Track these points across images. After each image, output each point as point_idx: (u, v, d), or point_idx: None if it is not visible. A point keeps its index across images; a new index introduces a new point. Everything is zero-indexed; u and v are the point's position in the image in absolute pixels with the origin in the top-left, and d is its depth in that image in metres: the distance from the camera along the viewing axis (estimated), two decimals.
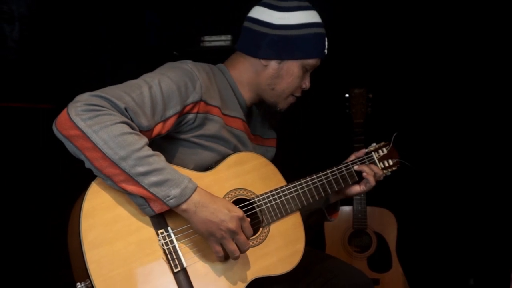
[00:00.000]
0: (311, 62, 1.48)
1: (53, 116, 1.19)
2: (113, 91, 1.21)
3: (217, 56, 1.62)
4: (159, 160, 1.19)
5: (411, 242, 2.53)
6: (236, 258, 1.25)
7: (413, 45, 2.61)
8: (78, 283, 1.12)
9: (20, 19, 2.32)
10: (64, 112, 1.14)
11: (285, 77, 1.47)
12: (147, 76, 1.29)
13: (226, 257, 1.25)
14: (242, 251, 1.25)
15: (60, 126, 1.14)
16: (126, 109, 1.19)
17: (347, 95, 2.33)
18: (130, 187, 1.15)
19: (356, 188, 1.58)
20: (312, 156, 2.69)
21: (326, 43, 1.51)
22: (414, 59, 2.63)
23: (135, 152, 1.14)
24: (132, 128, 1.18)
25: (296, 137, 2.71)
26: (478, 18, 2.49)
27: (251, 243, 1.33)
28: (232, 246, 1.23)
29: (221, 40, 2.53)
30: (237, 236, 1.23)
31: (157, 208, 1.18)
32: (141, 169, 1.14)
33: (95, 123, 1.12)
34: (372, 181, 1.55)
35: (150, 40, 2.65)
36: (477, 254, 2.53)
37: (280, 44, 1.44)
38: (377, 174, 1.57)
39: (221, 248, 1.24)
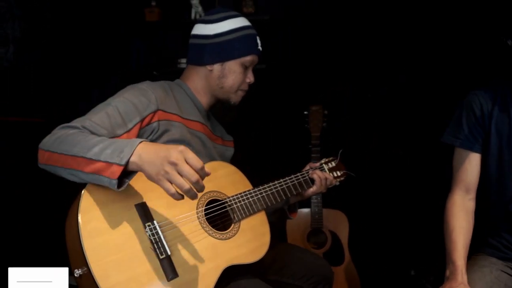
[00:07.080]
0: (248, 59, 1.64)
1: (43, 128, 1.35)
2: (76, 119, 1.35)
3: None
4: (106, 139, 1.27)
5: (361, 239, 2.64)
6: (189, 194, 1.18)
7: (364, 65, 2.79)
8: (76, 270, 1.21)
9: (13, 42, 2.46)
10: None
11: (229, 75, 1.63)
12: (109, 99, 1.46)
13: (183, 195, 1.22)
14: (192, 181, 1.17)
15: (39, 159, 1.31)
16: (83, 126, 1.31)
17: (306, 112, 2.45)
18: (93, 167, 1.21)
19: (310, 190, 1.73)
20: (275, 165, 2.81)
21: (259, 41, 1.67)
22: (363, 79, 2.82)
23: (86, 141, 1.25)
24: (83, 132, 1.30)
25: (261, 148, 2.85)
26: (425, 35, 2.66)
27: (224, 236, 1.43)
28: (178, 179, 1.17)
29: None
30: (180, 167, 1.16)
31: (115, 173, 1.19)
32: (92, 148, 1.24)
33: (51, 139, 1.29)
34: (320, 185, 1.72)
35: (133, 63, 2.81)
36: (416, 249, 2.63)
37: (218, 49, 1.61)
38: (328, 179, 1.74)
39: (171, 185, 1.18)
